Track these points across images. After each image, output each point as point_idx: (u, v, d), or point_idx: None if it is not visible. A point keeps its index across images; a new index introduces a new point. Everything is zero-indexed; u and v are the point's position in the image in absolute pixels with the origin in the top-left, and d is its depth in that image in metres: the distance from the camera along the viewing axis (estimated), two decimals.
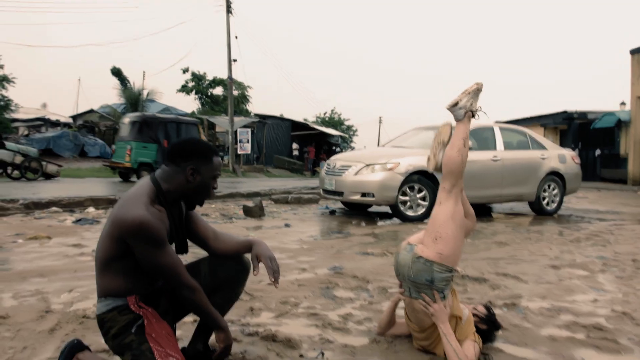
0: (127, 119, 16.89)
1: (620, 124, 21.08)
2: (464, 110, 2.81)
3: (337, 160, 8.95)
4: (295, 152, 33.83)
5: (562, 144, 24.99)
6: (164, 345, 2.13)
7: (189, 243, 2.46)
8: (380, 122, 57.97)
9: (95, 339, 2.73)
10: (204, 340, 2.51)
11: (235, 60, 25.76)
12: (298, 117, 38.90)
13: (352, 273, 4.45)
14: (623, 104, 22.48)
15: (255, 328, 3.01)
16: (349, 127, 53.07)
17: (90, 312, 3.19)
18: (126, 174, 16.07)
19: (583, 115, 24.58)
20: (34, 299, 3.55)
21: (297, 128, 34.85)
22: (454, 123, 2.89)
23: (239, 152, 24.78)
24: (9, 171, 15.28)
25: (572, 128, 24.88)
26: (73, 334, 2.84)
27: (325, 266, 4.77)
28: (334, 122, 50.53)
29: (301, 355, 2.65)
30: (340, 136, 40.37)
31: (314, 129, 35.94)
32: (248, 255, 2.53)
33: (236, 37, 32.48)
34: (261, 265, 2.46)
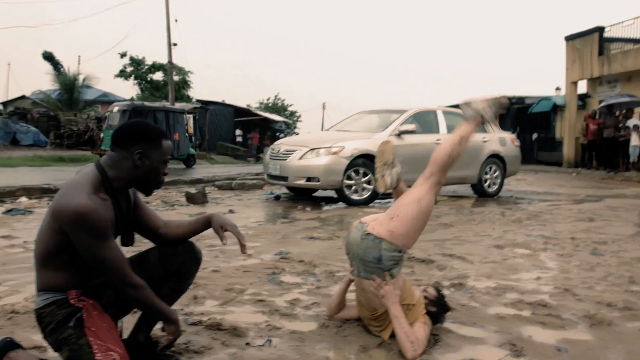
0: (116, 108, 16.74)
1: (556, 109, 21.79)
2: (474, 112, 2.75)
3: (282, 144, 8.82)
4: (239, 139, 33.39)
5: (502, 128, 25.49)
6: (105, 339, 1.98)
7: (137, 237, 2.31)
8: (323, 108, 57.95)
9: (26, 335, 2.54)
10: (146, 332, 2.37)
11: (175, 45, 25.17)
12: (242, 104, 38.43)
13: (299, 258, 4.37)
14: (558, 89, 23.24)
15: (199, 317, 2.89)
16: (292, 113, 52.84)
17: (19, 306, 2.98)
18: None
19: (521, 100, 25.25)
20: None
21: (240, 114, 34.38)
22: (394, 142, 2.82)
23: None
24: None
25: (510, 112, 25.53)
26: (1, 331, 2.63)
27: (271, 251, 4.67)
28: (278, 107, 50.20)
29: (247, 344, 2.55)
30: (284, 122, 40.13)
31: (257, 114, 35.57)
32: (201, 246, 2.41)
33: (176, 21, 31.84)
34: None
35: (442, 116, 9.41)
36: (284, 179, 8.30)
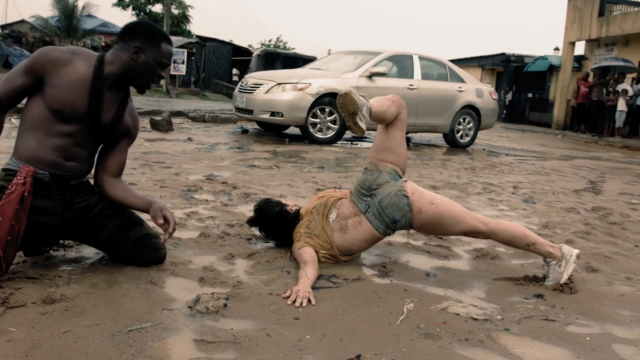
0: (255, 52, 19.79)
1: (552, 69, 21.47)
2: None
3: (250, 77, 8.73)
4: (235, 78, 32.97)
5: (498, 85, 25.38)
6: None
7: None
8: (329, 54, 56.94)
9: None
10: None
11: None
12: (243, 44, 37.79)
13: (224, 180, 4.38)
14: (557, 49, 22.83)
15: None
16: None
17: None
18: None
19: (520, 58, 24.87)
20: None
21: (238, 53, 33.78)
22: (361, 83, 2.68)
23: (173, 72, 23.83)
24: None
25: (508, 70, 25.19)
26: None
27: (201, 173, 4.67)
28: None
29: None
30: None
31: None
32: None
33: None
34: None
35: (418, 62, 9.26)
36: (249, 112, 8.24)
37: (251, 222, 2.78)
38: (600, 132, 16.20)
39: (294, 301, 2.09)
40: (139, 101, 13.56)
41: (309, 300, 2.11)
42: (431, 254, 2.95)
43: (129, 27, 2.19)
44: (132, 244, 2.27)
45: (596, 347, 1.97)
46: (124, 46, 2.16)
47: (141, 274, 2.23)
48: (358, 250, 2.63)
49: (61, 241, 2.39)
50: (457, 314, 2.15)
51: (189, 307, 1.98)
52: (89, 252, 2.44)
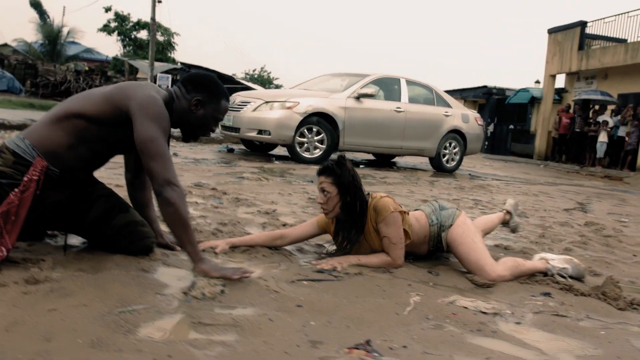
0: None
1: (533, 101, 21.78)
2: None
3: (238, 96, 8.66)
4: None
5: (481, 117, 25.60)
6: (6, 225, 1.86)
7: None
8: None
9: None
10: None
11: (160, 1, 24.59)
12: (227, 72, 37.84)
13: (214, 187, 4.26)
14: (537, 82, 23.20)
15: None
16: (277, 87, 52.33)
17: None
18: None
19: (501, 91, 25.24)
20: None
21: (223, 81, 33.68)
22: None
23: None
24: None
25: (490, 103, 25.51)
26: None
27: (190, 181, 4.55)
28: (263, 79, 49.62)
29: None
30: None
31: (239, 83, 35.09)
32: None
33: None
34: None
35: (405, 85, 9.28)
36: (236, 130, 8.15)
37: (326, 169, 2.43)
38: (581, 163, 16.37)
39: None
40: None
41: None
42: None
43: (195, 79, 2.21)
44: (116, 231, 2.15)
45: (612, 340, 1.88)
46: (185, 94, 2.18)
47: (131, 262, 2.09)
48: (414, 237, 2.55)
49: (49, 232, 2.27)
50: (466, 307, 2.05)
51: (183, 292, 1.85)
52: (75, 242, 2.30)
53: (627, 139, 14.78)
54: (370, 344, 1.60)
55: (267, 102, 7.96)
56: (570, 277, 2.58)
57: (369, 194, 2.50)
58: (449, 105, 9.85)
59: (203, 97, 2.17)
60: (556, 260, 2.64)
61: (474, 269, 2.47)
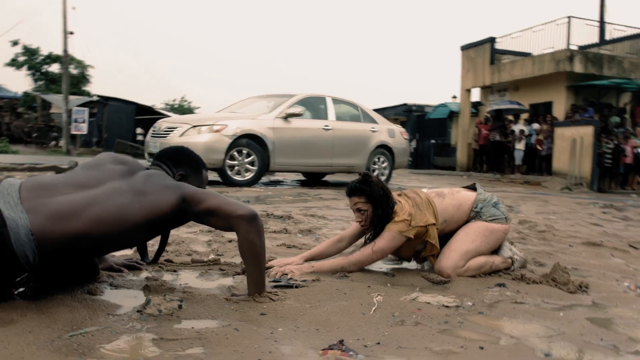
0: None
1: (452, 115, 22.60)
2: None
3: (164, 122, 8.44)
4: (140, 137, 32.13)
5: None
6: None
7: None
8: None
9: None
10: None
11: (72, 33, 23.78)
12: (147, 102, 37.04)
13: None
14: (454, 97, 24.13)
15: None
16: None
17: None
18: None
19: (420, 108, 26.12)
20: None
21: (142, 112, 33.13)
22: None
23: (73, 132, 22.81)
24: None
25: (410, 119, 26.28)
26: None
27: None
28: (184, 109, 48.94)
29: None
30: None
31: (160, 113, 34.39)
32: None
33: (74, 8, 30.10)
34: None
35: (332, 103, 9.37)
36: None
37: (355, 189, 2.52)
38: (501, 171, 17.07)
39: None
40: (39, 158, 12.77)
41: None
42: (385, 259, 2.85)
43: (172, 155, 2.21)
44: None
45: (572, 320, 1.93)
46: (167, 171, 2.15)
47: (75, 286, 1.94)
48: (447, 219, 2.58)
49: None
50: (428, 303, 2.04)
51: (138, 311, 1.73)
52: None
53: (539, 147, 15.53)
54: (343, 343, 1.55)
55: (194, 126, 7.80)
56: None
57: (400, 194, 2.64)
58: (375, 121, 10.02)
59: (186, 171, 2.18)
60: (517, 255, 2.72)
61: (444, 254, 2.52)
